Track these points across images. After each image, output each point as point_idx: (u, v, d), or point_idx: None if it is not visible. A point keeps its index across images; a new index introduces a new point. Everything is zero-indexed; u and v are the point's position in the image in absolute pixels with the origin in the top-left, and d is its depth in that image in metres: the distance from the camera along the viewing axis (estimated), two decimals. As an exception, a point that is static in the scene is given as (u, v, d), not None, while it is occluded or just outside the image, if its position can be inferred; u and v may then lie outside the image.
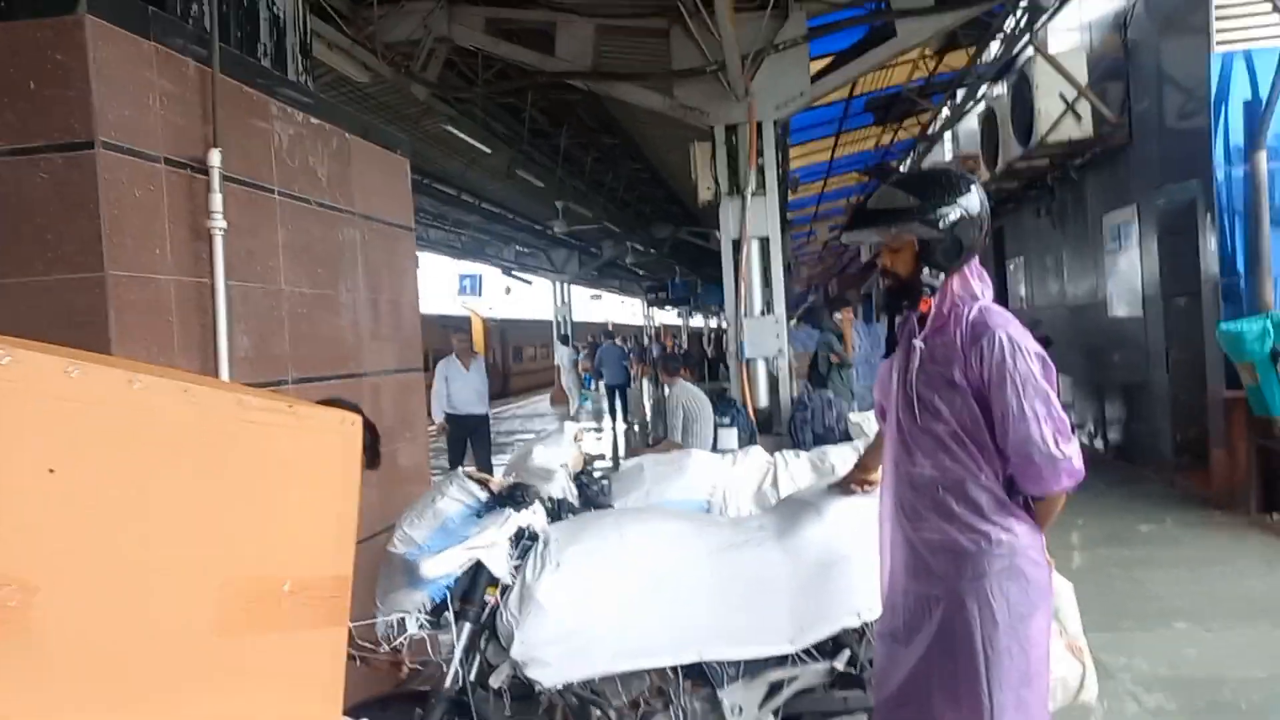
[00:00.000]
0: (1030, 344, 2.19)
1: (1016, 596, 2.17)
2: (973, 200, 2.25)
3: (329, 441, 1.47)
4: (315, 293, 3.63)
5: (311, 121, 3.70)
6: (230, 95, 3.10)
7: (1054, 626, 2.72)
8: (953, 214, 2.21)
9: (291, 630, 1.38)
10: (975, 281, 2.29)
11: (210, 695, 1.29)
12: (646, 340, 31.12)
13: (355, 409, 2.26)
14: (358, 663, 2.36)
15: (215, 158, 2.90)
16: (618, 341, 22.18)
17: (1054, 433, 2.12)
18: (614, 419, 17.59)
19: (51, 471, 1.03)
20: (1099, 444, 10.01)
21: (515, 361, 33.25)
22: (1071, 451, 2.14)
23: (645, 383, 16.75)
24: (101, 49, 2.48)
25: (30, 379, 1.02)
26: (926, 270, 2.23)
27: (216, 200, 2.89)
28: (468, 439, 9.48)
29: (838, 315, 10.19)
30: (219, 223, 2.89)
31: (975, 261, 2.30)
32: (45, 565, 1.04)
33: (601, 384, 18.92)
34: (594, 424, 17.94)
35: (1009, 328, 2.19)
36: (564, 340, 23.69)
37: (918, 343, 2.28)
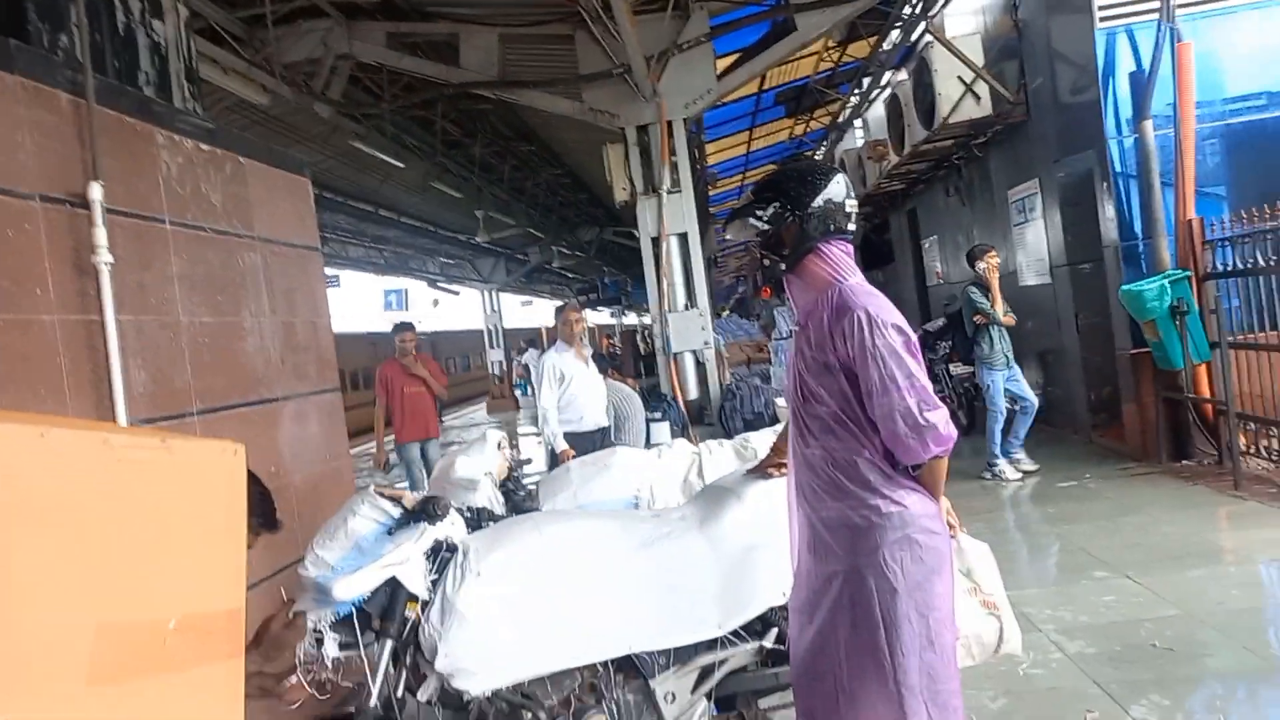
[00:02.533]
0: (890, 318, 2.25)
1: (911, 565, 2.24)
2: (809, 192, 2.37)
3: (209, 473, 1.45)
4: (217, 320, 3.56)
5: (202, 148, 3.63)
6: (110, 126, 3.02)
7: (968, 585, 2.83)
8: (772, 209, 2.40)
9: (181, 670, 1.35)
10: (833, 265, 2.37)
11: None
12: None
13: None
14: (281, 694, 2.33)
15: (96, 191, 2.82)
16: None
17: (918, 402, 2.18)
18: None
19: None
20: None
21: (449, 373, 32.85)
22: (937, 419, 2.19)
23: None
24: (-40, 87, 2.40)
25: None
26: (767, 260, 2.45)
27: (100, 234, 2.81)
28: None
29: (980, 265, 7.46)
30: (105, 257, 2.81)
31: (836, 245, 2.38)
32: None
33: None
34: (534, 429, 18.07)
35: (869, 304, 2.25)
36: (530, 344, 24.26)
37: (794, 329, 2.38)
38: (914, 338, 2.27)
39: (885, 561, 2.22)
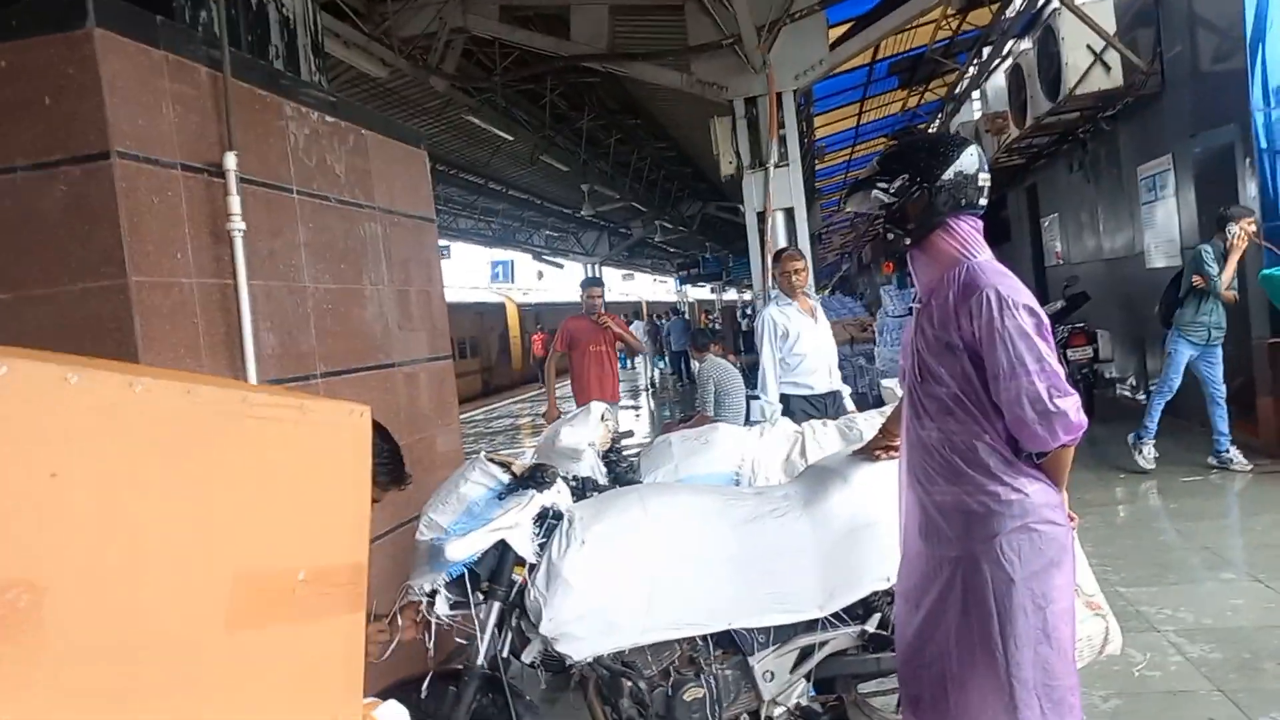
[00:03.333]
0: (1021, 298, 2.15)
1: (1029, 554, 2.16)
2: (940, 164, 2.26)
3: (338, 433, 1.51)
4: (339, 288, 3.70)
5: (327, 120, 3.76)
6: (243, 98, 3.16)
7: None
8: (899, 180, 2.28)
9: (308, 620, 1.42)
10: (961, 242, 2.27)
11: (228, 687, 1.33)
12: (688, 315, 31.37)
13: (379, 426, 2.31)
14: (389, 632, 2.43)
15: (231, 161, 2.96)
16: (685, 315, 26.10)
17: (1048, 388, 2.08)
18: (682, 381, 20.50)
19: (53, 476, 1.08)
20: (1141, 396, 9.83)
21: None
22: (1067, 406, 2.09)
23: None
24: (112, 61, 2.54)
25: (28, 387, 1.06)
26: (891, 235, 2.33)
27: (234, 202, 2.95)
28: None
29: (1233, 228, 6.53)
30: (238, 224, 2.95)
31: (966, 220, 2.28)
32: (52, 567, 1.08)
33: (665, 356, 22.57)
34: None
35: (999, 284, 2.15)
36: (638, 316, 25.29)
37: (915, 306, 2.29)
38: (1046, 319, 2.17)
39: (1002, 550, 2.15)
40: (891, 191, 2.30)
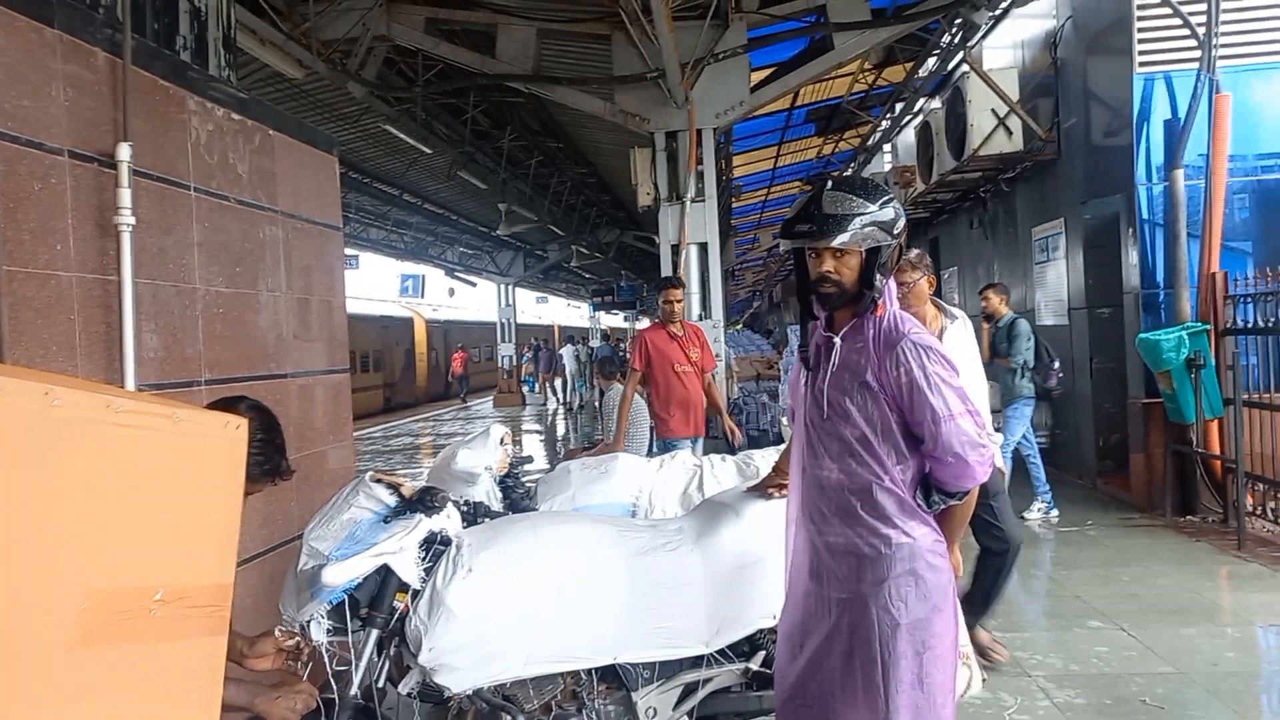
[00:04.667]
0: (939, 347, 2.24)
1: (914, 600, 2.21)
2: (901, 209, 2.31)
3: (211, 446, 1.43)
4: (233, 292, 3.55)
5: (233, 117, 3.62)
6: (143, 87, 3.02)
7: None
8: (900, 221, 2.25)
9: (164, 640, 1.34)
10: (885, 292, 2.33)
11: (76, 707, 1.25)
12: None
13: (261, 410, 2.22)
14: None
15: (124, 152, 2.81)
16: (610, 342, 27.00)
17: (975, 426, 2.19)
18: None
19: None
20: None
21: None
22: (988, 441, 2.22)
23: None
24: (-2, 36, 2.40)
25: None
26: (879, 276, 2.23)
27: (125, 195, 2.80)
28: None
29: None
30: (127, 219, 2.80)
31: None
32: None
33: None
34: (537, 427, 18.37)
35: (919, 335, 2.24)
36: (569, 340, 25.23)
37: (837, 341, 2.29)
38: (956, 366, 2.25)
39: (890, 594, 2.19)
40: (894, 231, 2.22)
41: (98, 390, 1.36)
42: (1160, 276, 7.37)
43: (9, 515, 1.17)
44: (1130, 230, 7.53)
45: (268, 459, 2.17)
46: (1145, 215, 7.42)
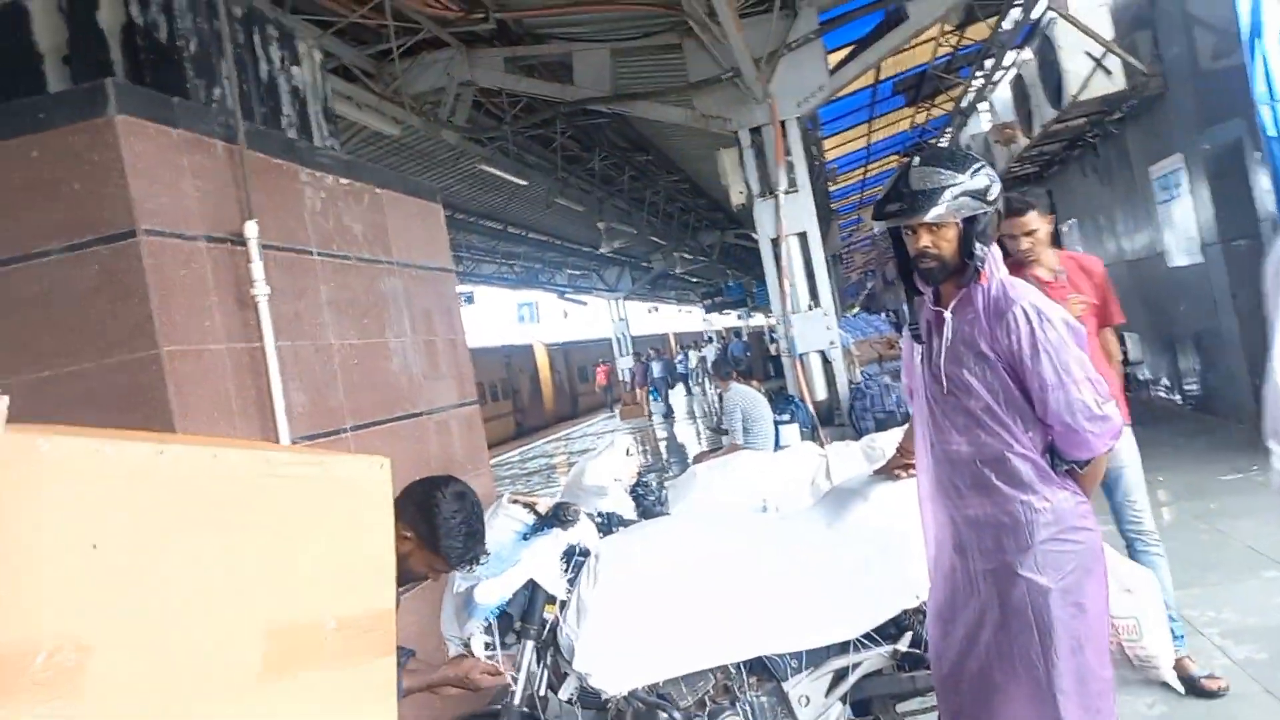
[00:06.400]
0: (1053, 311, 2.20)
1: (1063, 562, 2.18)
2: (994, 174, 2.28)
3: (359, 486, 1.58)
4: (364, 342, 3.80)
5: (342, 182, 3.89)
6: (260, 168, 3.29)
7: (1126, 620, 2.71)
8: (994, 187, 2.22)
9: (340, 665, 1.48)
10: (991, 259, 2.31)
11: None
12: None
13: (462, 497, 2.29)
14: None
15: (252, 229, 3.08)
16: (744, 339, 26.83)
17: (1094, 395, 2.14)
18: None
19: (95, 547, 1.16)
20: (1176, 397, 9.71)
21: (581, 382, 33.64)
22: (1112, 411, 2.17)
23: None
24: (133, 144, 2.68)
25: (66, 461, 1.15)
26: (978, 245, 2.21)
27: (257, 269, 3.06)
28: None
29: None
30: (262, 289, 3.07)
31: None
32: (97, 627, 1.16)
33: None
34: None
35: (1031, 299, 2.21)
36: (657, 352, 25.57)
37: (948, 316, 2.29)
38: (1081, 329, 2.21)
39: (1039, 560, 2.17)
40: (987, 198, 2.20)
41: (256, 447, 1.53)
42: (1298, 197, 6.86)
43: (192, 566, 1.33)
44: (1256, 153, 7.05)
45: (468, 549, 2.27)
46: (1271, 134, 6.93)
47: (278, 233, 3.33)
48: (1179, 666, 3.20)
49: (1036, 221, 3.52)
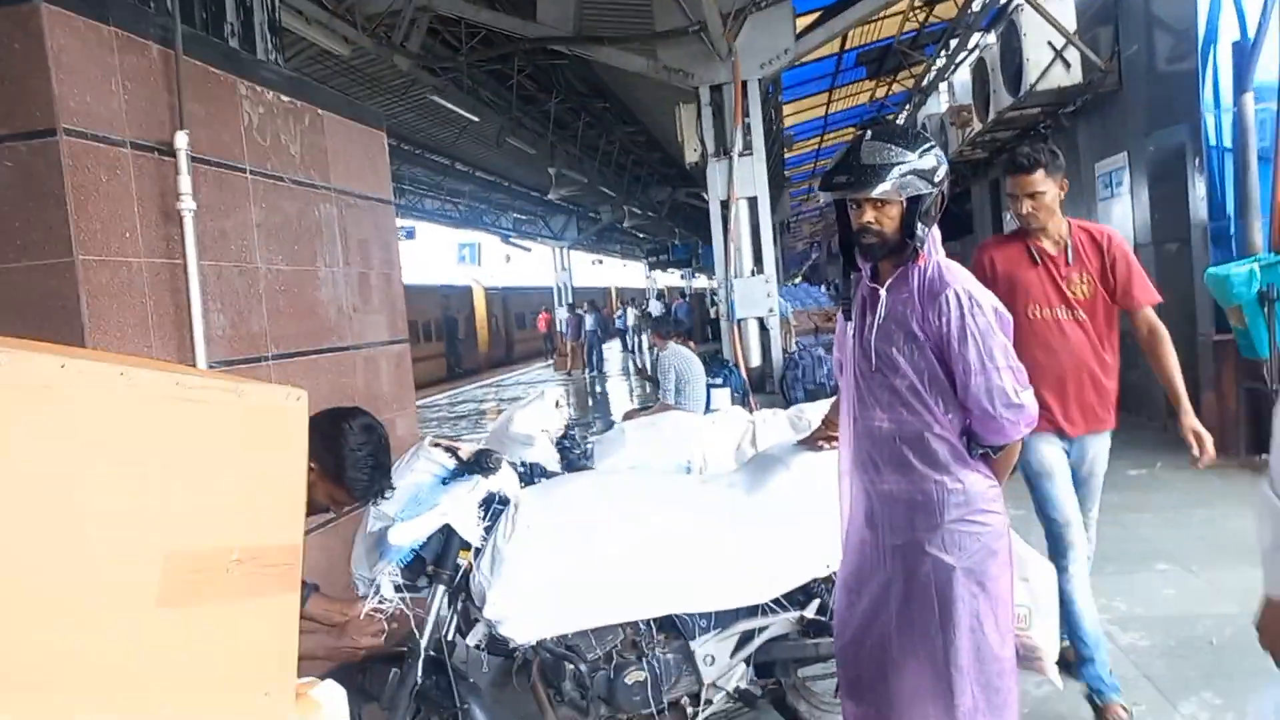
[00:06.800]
0: (984, 297, 2.24)
1: (969, 544, 2.24)
2: (943, 156, 2.30)
3: (274, 417, 1.53)
4: (293, 269, 3.68)
5: (282, 99, 3.73)
6: (196, 76, 3.13)
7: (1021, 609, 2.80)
8: (942, 169, 2.24)
9: (242, 598, 1.45)
10: (930, 241, 2.33)
11: (161, 664, 1.36)
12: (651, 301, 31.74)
13: (371, 430, 2.23)
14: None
15: (182, 140, 2.93)
16: (687, 300, 26.18)
17: (1014, 383, 2.19)
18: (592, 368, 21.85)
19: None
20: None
21: (519, 329, 33.42)
22: (1029, 399, 2.22)
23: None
24: (59, 36, 2.51)
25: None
26: (920, 226, 2.23)
27: (185, 182, 2.93)
28: None
29: None
30: (188, 204, 2.93)
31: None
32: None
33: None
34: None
35: (965, 284, 2.24)
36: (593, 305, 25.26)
37: (883, 293, 2.30)
38: (1008, 317, 2.25)
39: (945, 539, 2.23)
40: (934, 179, 2.21)
41: (168, 369, 1.46)
42: (1230, 207, 7.10)
43: (89, 488, 1.27)
44: (1197, 160, 7.25)
45: (374, 481, 2.23)
46: (1213, 143, 7.13)
47: (210, 146, 3.18)
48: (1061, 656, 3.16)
49: (1043, 183, 3.04)
